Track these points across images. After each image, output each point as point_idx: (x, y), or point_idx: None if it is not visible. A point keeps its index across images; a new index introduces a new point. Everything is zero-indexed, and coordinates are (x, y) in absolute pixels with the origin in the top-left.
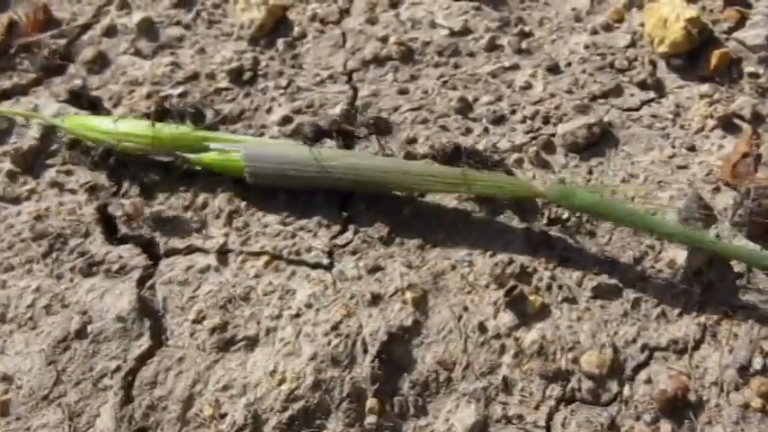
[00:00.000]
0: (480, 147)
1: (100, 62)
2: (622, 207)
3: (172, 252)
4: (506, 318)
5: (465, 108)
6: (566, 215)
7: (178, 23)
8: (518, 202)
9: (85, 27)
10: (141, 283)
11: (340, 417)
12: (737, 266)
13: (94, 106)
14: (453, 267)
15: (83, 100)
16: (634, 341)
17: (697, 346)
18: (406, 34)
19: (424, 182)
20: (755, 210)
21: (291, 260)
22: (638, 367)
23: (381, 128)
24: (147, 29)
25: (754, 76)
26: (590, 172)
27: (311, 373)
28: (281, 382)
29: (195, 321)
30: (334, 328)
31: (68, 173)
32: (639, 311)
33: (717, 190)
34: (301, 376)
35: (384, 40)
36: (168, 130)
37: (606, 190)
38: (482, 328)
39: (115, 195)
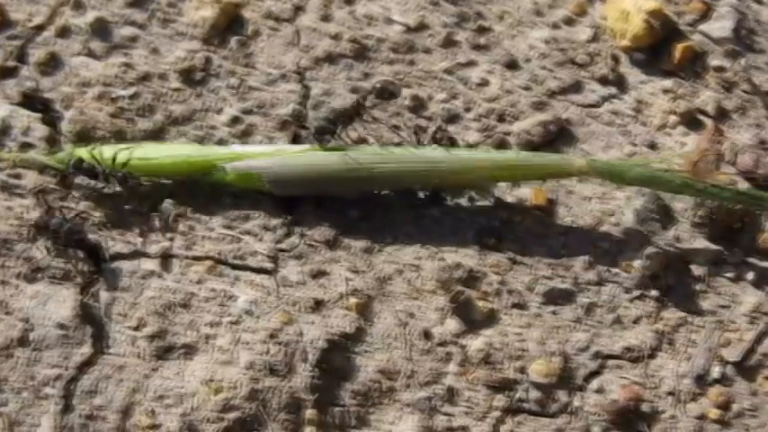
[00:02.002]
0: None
1: (52, 64)
2: (676, 179)
3: (116, 257)
4: (452, 324)
5: (418, 106)
6: (518, 218)
7: (132, 23)
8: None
9: (40, 28)
10: (84, 289)
11: (276, 428)
12: (696, 270)
13: (47, 109)
14: (400, 272)
15: (35, 102)
16: (586, 348)
17: (653, 354)
18: (360, 31)
19: (475, 170)
20: (715, 210)
21: (235, 265)
22: (590, 376)
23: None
24: (101, 29)
25: (720, 69)
26: None
27: (247, 383)
28: (217, 391)
29: (135, 328)
30: (273, 335)
31: (17, 176)
32: (593, 317)
33: None
34: (237, 386)
35: (337, 37)
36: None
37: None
38: (427, 335)
39: (63, 200)
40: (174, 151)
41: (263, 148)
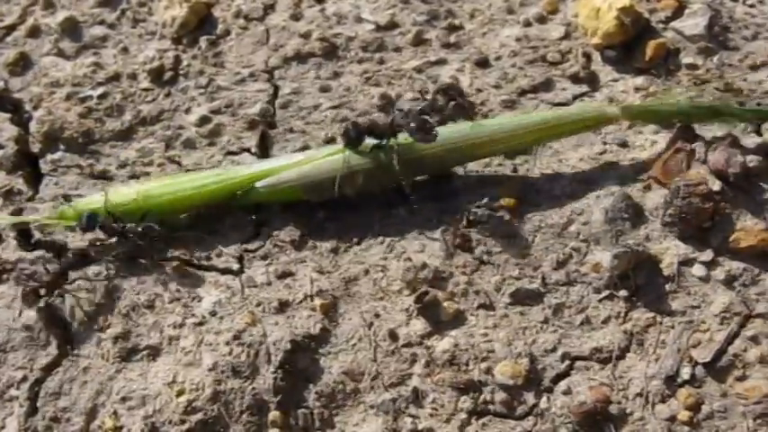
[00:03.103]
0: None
1: (22, 64)
2: (704, 104)
3: (82, 258)
4: (418, 325)
5: (387, 105)
6: (486, 217)
7: (102, 23)
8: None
9: (10, 28)
10: (51, 290)
11: (240, 430)
12: (667, 269)
13: (16, 109)
14: (366, 272)
15: (4, 102)
16: (554, 350)
17: (622, 355)
18: (330, 30)
19: (525, 134)
20: (685, 209)
21: (201, 266)
22: (558, 378)
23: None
24: (71, 29)
25: (693, 67)
26: (515, 170)
27: (210, 385)
28: (180, 393)
29: (100, 330)
30: (237, 336)
31: None
32: (561, 318)
33: (648, 188)
34: (200, 387)
35: (307, 36)
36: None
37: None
38: (393, 335)
39: (31, 200)
40: (194, 182)
41: (290, 159)
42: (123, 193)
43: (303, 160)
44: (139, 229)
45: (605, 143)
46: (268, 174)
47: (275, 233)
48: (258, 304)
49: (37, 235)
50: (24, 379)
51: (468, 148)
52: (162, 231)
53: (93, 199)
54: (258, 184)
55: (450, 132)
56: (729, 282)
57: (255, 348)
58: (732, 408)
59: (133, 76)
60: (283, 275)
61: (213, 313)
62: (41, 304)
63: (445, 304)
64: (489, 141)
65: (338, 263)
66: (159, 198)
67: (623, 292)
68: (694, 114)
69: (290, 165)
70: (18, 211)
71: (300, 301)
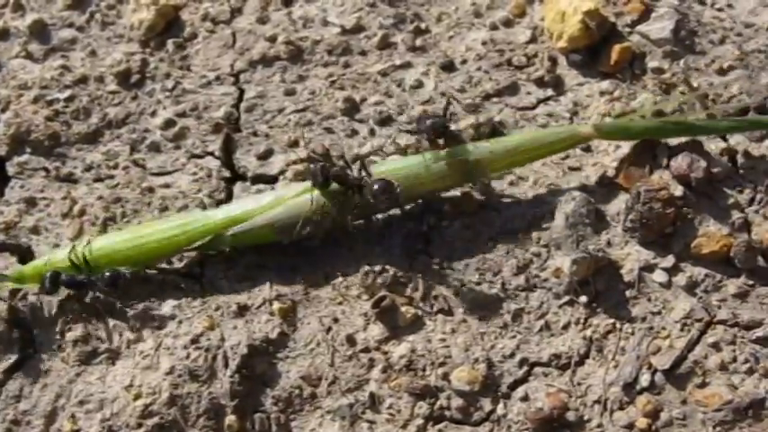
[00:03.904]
0: (365, 149)
1: None
2: (679, 120)
3: None
4: (376, 330)
5: (351, 109)
6: (446, 222)
7: (71, 25)
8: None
9: None
10: (14, 293)
11: None
12: (627, 275)
13: None
14: (326, 277)
15: None
16: (512, 356)
17: (581, 362)
18: (296, 33)
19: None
20: (647, 214)
21: (162, 269)
22: (515, 384)
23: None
24: (40, 31)
25: (658, 71)
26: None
27: (167, 388)
28: (137, 397)
29: (61, 333)
30: (195, 340)
31: None
32: (521, 324)
33: (610, 194)
34: (157, 391)
35: (273, 39)
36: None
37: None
38: (351, 340)
39: None
40: (160, 232)
41: (257, 201)
42: (88, 245)
43: (272, 202)
44: (107, 274)
45: None
46: (237, 220)
47: None
48: (217, 308)
49: (0, 237)
50: None
51: (441, 178)
52: (127, 275)
53: (60, 252)
54: (228, 233)
55: (425, 163)
56: (691, 288)
57: (213, 352)
58: (691, 415)
59: (100, 79)
60: (243, 279)
61: (172, 317)
62: (4, 307)
63: (403, 309)
64: (462, 169)
65: (298, 267)
66: (122, 253)
67: (583, 298)
68: (668, 130)
69: (261, 208)
70: None
71: (259, 306)
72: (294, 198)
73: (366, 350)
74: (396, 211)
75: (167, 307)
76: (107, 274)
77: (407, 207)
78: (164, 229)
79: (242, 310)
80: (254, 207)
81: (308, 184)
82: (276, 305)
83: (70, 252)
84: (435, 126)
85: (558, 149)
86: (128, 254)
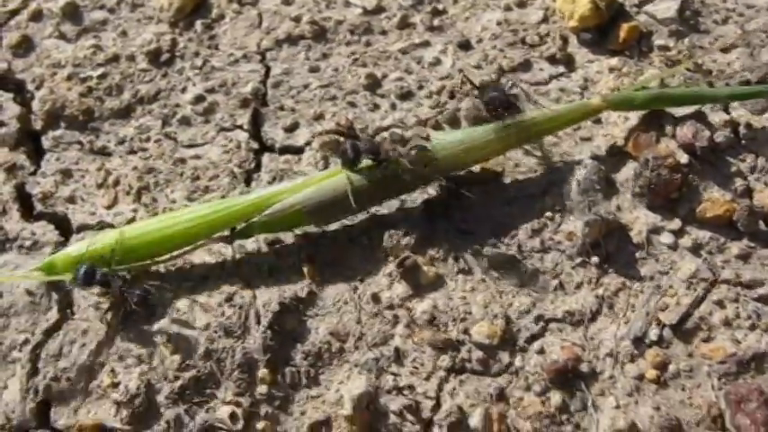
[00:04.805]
0: (387, 122)
1: (25, 46)
2: (680, 90)
3: (82, 228)
4: (400, 289)
5: (373, 84)
6: (466, 188)
7: (102, 7)
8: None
9: (14, 12)
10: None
11: (231, 386)
12: (636, 237)
13: (19, 89)
14: (351, 240)
15: (8, 83)
16: (528, 312)
17: (593, 318)
18: (320, 13)
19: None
20: (654, 180)
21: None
22: (532, 338)
23: None
24: (72, 13)
25: (664, 48)
26: None
27: (203, 343)
28: (174, 351)
29: (99, 294)
30: (229, 299)
31: None
32: (536, 283)
33: (620, 162)
34: (193, 346)
35: (298, 19)
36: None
37: (646, 81)
38: (376, 298)
39: (33, 175)
40: (192, 214)
41: (289, 184)
42: (110, 239)
43: (302, 184)
44: (137, 293)
45: None
46: (274, 199)
47: None
48: (249, 269)
49: (39, 207)
50: (26, 342)
51: (470, 151)
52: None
53: (82, 244)
54: (259, 216)
55: (452, 138)
56: (696, 249)
57: (246, 310)
58: (698, 367)
59: (131, 58)
60: (273, 242)
61: (206, 277)
62: None
63: (425, 269)
64: (486, 144)
65: (325, 230)
66: (148, 248)
67: (595, 259)
68: (673, 100)
69: (287, 189)
70: (20, 185)
71: (289, 267)
72: (323, 180)
73: (390, 307)
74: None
75: (201, 268)
76: (137, 292)
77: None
78: (192, 213)
79: (272, 271)
80: (286, 188)
81: (334, 168)
82: (306, 267)
83: (97, 244)
84: (499, 99)
85: (572, 122)
86: (154, 248)
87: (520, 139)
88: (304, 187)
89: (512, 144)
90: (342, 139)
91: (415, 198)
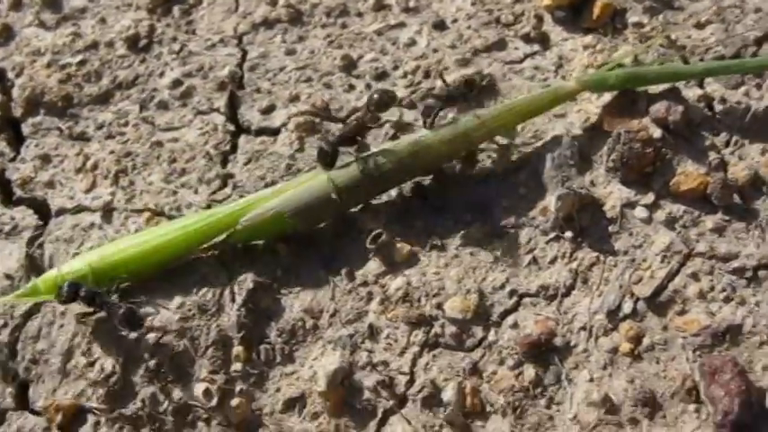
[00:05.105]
0: (362, 103)
1: (5, 34)
2: (655, 68)
3: (61, 212)
4: (373, 265)
5: (349, 66)
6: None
7: None
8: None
9: None
10: (31, 242)
11: (205, 364)
12: (610, 212)
13: (0, 78)
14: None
15: None
16: (502, 287)
17: (567, 293)
18: None
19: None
20: (627, 154)
21: (172, 216)
22: (505, 313)
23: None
24: (52, 1)
25: (638, 25)
26: None
27: (178, 321)
28: (149, 330)
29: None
30: (203, 277)
31: None
32: (510, 258)
33: (594, 137)
34: (168, 324)
35: (274, 3)
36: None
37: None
38: (350, 275)
39: (12, 161)
40: (168, 232)
41: (266, 191)
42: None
43: (283, 188)
44: (122, 311)
45: None
46: (251, 207)
47: (241, 183)
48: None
49: (18, 193)
50: (5, 325)
51: (451, 143)
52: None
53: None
54: (239, 223)
55: (433, 133)
56: (670, 223)
57: (221, 289)
58: (672, 340)
59: (110, 44)
60: None
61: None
62: (21, 255)
63: (398, 246)
64: (464, 133)
65: None
66: (127, 266)
67: (569, 234)
68: (648, 78)
69: (266, 196)
70: (0, 171)
71: (264, 246)
72: (303, 183)
73: (365, 284)
74: None
75: None
76: (122, 311)
77: None
78: (167, 228)
79: (246, 249)
80: (264, 195)
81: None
82: (281, 244)
83: (76, 266)
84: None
85: (548, 106)
86: (133, 267)
87: (498, 127)
88: (284, 191)
89: (492, 133)
90: (317, 119)
91: None
